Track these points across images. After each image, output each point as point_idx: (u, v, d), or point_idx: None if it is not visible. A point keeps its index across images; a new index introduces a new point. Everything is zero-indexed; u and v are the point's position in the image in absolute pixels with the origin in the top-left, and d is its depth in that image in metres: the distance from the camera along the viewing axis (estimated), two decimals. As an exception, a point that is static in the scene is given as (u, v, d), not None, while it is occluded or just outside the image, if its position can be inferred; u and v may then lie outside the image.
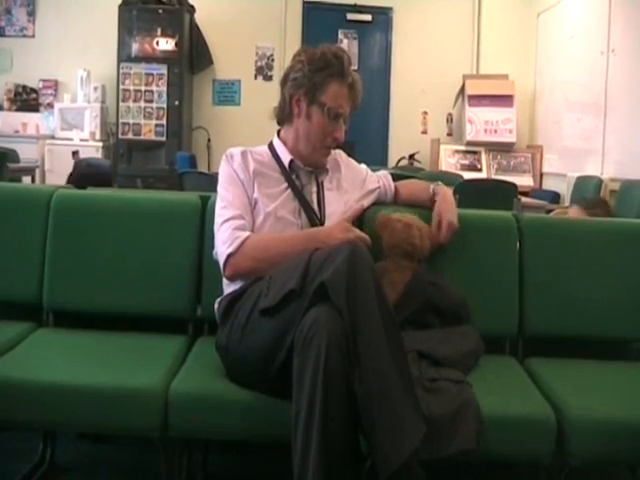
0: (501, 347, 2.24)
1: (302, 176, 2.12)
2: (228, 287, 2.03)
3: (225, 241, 1.97)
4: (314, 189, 2.12)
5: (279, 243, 1.97)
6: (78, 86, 7.27)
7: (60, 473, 2.29)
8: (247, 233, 1.97)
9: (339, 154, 2.26)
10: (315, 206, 2.09)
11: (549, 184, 6.93)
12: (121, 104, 7.05)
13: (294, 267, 1.75)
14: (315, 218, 2.07)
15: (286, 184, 2.09)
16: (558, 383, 1.96)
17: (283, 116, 2.15)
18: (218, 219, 2.03)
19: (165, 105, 7.02)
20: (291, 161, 2.11)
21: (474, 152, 7.18)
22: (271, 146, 2.17)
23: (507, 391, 1.92)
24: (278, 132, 2.20)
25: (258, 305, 1.79)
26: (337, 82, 2.06)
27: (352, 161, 2.30)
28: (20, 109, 7.48)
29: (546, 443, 1.77)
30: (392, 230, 2.15)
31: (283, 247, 1.95)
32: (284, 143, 2.15)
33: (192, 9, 7.29)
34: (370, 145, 7.28)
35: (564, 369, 2.11)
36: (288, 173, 2.11)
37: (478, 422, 1.71)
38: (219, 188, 2.09)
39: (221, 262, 1.98)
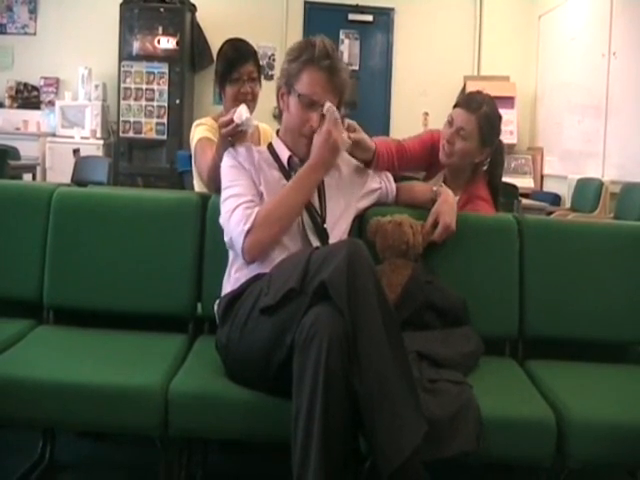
0: (501, 349, 2.24)
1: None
2: (228, 286, 2.03)
3: (240, 220, 1.95)
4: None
5: (280, 201, 1.98)
6: (79, 84, 7.28)
7: (59, 471, 2.29)
8: (257, 209, 1.97)
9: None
10: (316, 202, 2.09)
11: (550, 186, 6.94)
12: (122, 102, 7.06)
13: (294, 266, 1.75)
14: (316, 214, 2.07)
15: (285, 182, 2.08)
16: (558, 385, 1.96)
17: (278, 113, 2.16)
18: (228, 206, 2.00)
19: (166, 104, 7.03)
20: (289, 158, 2.11)
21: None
22: (270, 145, 2.17)
23: (507, 393, 1.92)
24: (277, 131, 2.20)
25: (258, 304, 1.78)
26: (310, 69, 2.02)
27: (354, 160, 2.29)
28: (21, 106, 7.49)
29: (546, 445, 1.77)
30: (384, 232, 2.15)
31: (285, 203, 1.97)
32: (282, 140, 2.15)
33: (193, 8, 7.30)
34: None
35: (564, 371, 2.11)
36: (287, 171, 2.10)
37: (478, 423, 1.71)
38: (224, 184, 2.06)
39: (240, 241, 1.94)
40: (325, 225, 2.06)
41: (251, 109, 2.62)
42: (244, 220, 1.94)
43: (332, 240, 2.04)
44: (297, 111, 2.04)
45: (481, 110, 2.37)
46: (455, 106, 2.44)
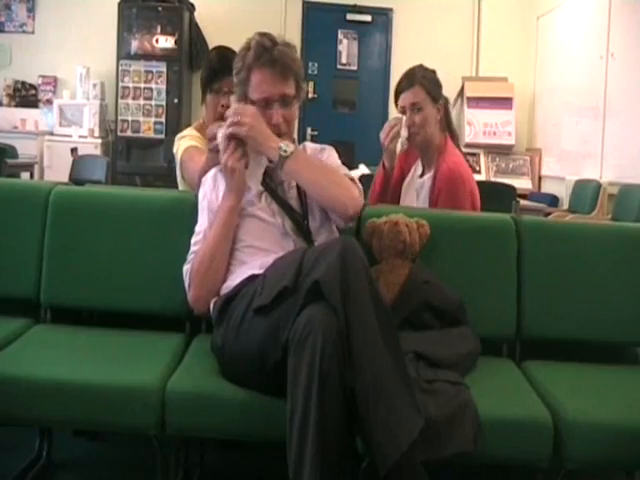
0: (499, 349, 2.24)
1: (280, 173, 2.08)
2: (223, 287, 2.03)
3: (184, 274, 2.04)
4: (293, 183, 2.10)
5: (206, 248, 2.00)
6: (77, 83, 7.27)
7: (56, 469, 2.29)
8: (191, 263, 2.03)
9: (305, 146, 2.24)
10: (295, 200, 2.08)
11: (548, 187, 6.94)
12: (120, 101, 7.06)
13: (287, 265, 1.75)
14: (296, 215, 2.06)
15: (261, 188, 2.07)
16: (555, 386, 1.96)
17: None
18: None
19: (164, 103, 7.03)
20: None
21: (473, 154, 7.19)
22: None
23: (504, 393, 1.92)
24: None
25: (252, 304, 1.78)
26: (255, 71, 2.03)
27: (316, 146, 2.27)
28: (19, 105, 7.48)
29: (543, 446, 1.77)
30: (380, 233, 2.16)
31: (209, 247, 1.99)
32: None
33: (192, 7, 7.30)
34: (369, 146, 7.18)
35: (561, 372, 2.11)
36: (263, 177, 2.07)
37: (475, 424, 1.71)
38: None
39: (188, 297, 2.05)
40: (310, 225, 2.06)
41: None
42: (185, 274, 2.04)
43: (319, 239, 2.04)
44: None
45: (417, 76, 2.53)
46: (396, 97, 2.63)
